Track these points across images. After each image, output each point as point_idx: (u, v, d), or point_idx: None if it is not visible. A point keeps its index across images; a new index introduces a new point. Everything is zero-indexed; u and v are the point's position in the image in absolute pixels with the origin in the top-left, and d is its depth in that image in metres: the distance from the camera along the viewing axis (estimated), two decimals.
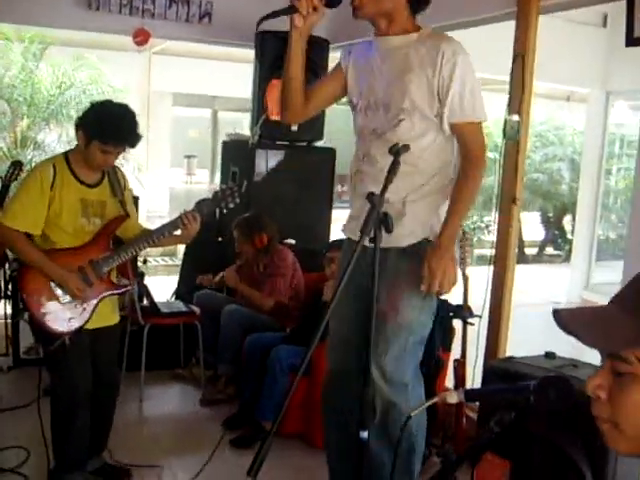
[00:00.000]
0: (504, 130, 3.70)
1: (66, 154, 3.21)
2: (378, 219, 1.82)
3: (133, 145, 3.18)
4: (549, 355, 2.98)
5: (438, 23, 4.38)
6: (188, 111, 18.00)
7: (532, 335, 5.97)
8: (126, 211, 3.29)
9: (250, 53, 5.83)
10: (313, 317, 4.05)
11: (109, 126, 3.06)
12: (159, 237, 3.20)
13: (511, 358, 3.05)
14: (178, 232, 3.22)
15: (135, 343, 4.53)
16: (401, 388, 2.55)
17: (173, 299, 5.27)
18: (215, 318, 4.64)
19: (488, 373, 3.08)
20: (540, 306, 8.42)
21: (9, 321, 5.08)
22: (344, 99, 2.75)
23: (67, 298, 3.12)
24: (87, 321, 3.18)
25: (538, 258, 13.15)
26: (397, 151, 1.98)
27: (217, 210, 5.35)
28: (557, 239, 13.53)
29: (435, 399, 1.50)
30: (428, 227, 2.51)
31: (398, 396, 2.54)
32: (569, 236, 12.52)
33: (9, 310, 5.01)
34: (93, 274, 3.16)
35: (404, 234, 2.46)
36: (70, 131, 9.20)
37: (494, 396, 1.38)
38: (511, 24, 3.73)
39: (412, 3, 2.45)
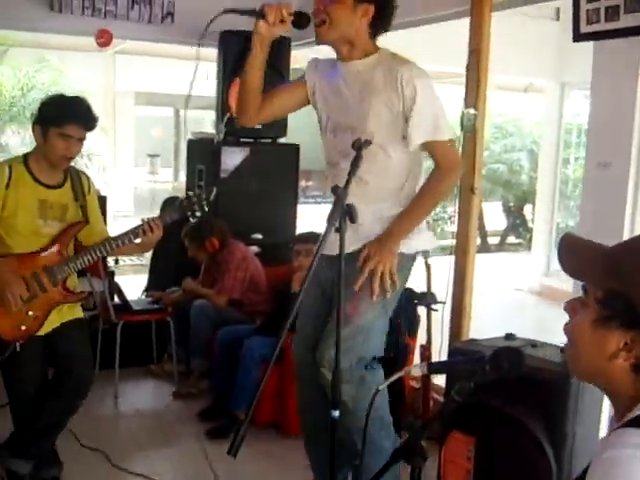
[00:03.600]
0: (461, 123, 3.85)
1: (25, 155, 3.16)
2: (343, 210, 1.94)
3: (91, 127, 3.10)
4: (509, 336, 3.11)
5: (394, 20, 4.52)
6: (150, 110, 17.95)
7: (495, 321, 6.17)
8: (86, 217, 3.22)
9: (212, 52, 5.92)
10: (282, 308, 4.18)
11: (63, 109, 3.03)
12: (118, 245, 3.11)
13: (473, 340, 3.19)
14: (138, 240, 3.14)
15: (108, 341, 4.60)
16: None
17: (143, 296, 5.34)
18: (185, 314, 4.73)
19: (452, 355, 3.21)
20: (503, 293, 8.64)
21: None
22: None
23: (18, 305, 3.03)
24: (38, 329, 3.12)
25: (500, 247, 13.39)
26: (360, 145, 2.10)
27: None
28: (518, 228, 13.78)
29: (401, 373, 1.62)
30: None
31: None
32: (530, 224, 12.77)
33: None
34: (47, 281, 3.08)
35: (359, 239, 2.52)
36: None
37: (454, 367, 1.51)
38: (466, 20, 3.88)
39: (373, 27, 2.52)
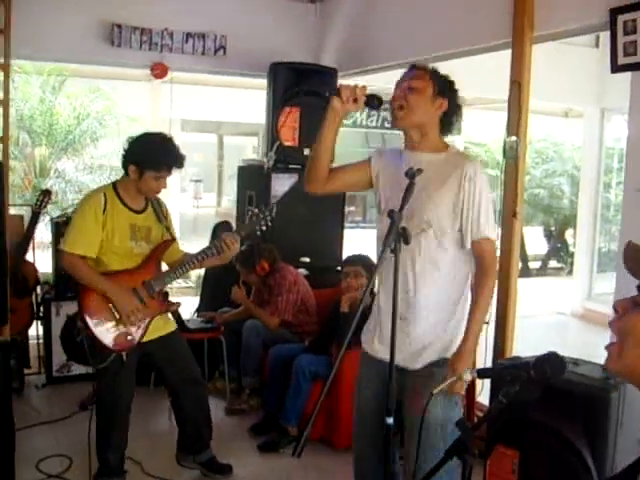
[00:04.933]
0: (504, 150, 4.01)
1: (114, 184, 3.51)
2: (397, 233, 2.12)
3: (182, 166, 3.48)
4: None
5: (439, 52, 4.73)
6: (194, 136, 18.38)
7: (538, 343, 6.24)
8: (172, 235, 3.61)
9: (254, 81, 6.19)
10: (331, 328, 4.37)
11: (160, 155, 3.40)
12: (204, 258, 3.47)
13: (517, 357, 3.32)
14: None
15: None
16: None
17: (195, 316, 5.55)
18: (236, 333, 4.93)
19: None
20: (545, 317, 8.70)
21: (41, 341, 5.40)
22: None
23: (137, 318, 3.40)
24: (142, 337, 3.47)
25: (542, 271, 13.40)
26: (413, 174, 2.27)
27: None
28: (560, 252, 13.78)
29: (453, 378, 1.79)
30: (447, 346, 2.64)
31: None
32: (571, 249, 12.78)
33: (41, 331, 5.36)
34: (146, 294, 3.45)
35: (422, 355, 2.63)
36: (86, 159, 9.57)
37: (500, 372, 1.67)
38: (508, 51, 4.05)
39: (442, 123, 2.67)
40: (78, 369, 5.26)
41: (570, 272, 11.90)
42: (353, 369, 2.95)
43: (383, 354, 2.59)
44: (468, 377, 1.70)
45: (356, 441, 2.87)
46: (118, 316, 3.38)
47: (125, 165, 3.43)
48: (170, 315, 3.74)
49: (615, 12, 3.32)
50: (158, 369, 3.76)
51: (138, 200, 3.51)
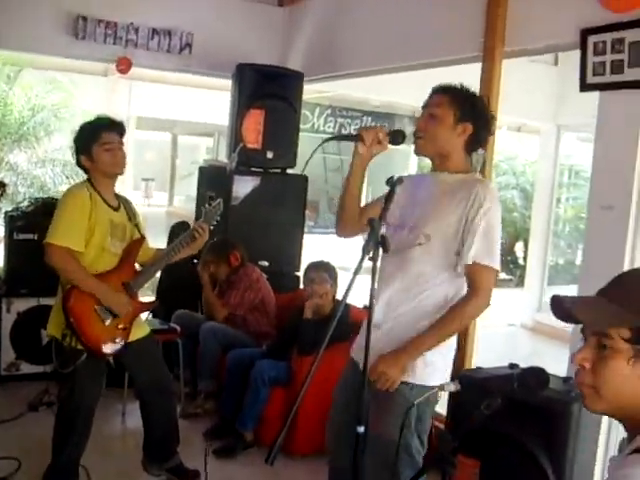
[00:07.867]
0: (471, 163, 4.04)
1: (88, 180, 3.36)
2: (376, 241, 2.11)
3: (122, 129, 3.37)
4: (513, 366, 3.27)
5: (406, 62, 4.76)
6: (148, 134, 18.15)
7: (491, 354, 6.31)
8: (142, 235, 3.52)
9: (212, 80, 6.14)
10: (291, 333, 4.35)
11: (90, 126, 3.34)
12: (176, 252, 3.47)
13: (480, 368, 3.36)
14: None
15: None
16: None
17: (151, 317, 5.45)
18: (193, 336, 4.86)
19: (461, 380, 3.37)
20: (496, 327, 8.80)
21: None
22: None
23: (109, 320, 3.30)
24: (128, 337, 3.41)
25: None
26: (393, 182, 2.27)
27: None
28: (509, 264, 14.00)
29: (435, 389, 1.78)
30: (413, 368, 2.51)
31: None
32: (520, 262, 12.98)
33: None
34: (128, 295, 3.39)
35: None
36: (39, 152, 9.35)
37: (485, 384, 1.67)
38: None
39: (469, 144, 2.60)
40: (27, 368, 5.12)
41: (518, 284, 12.08)
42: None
43: (356, 356, 2.61)
44: (452, 389, 1.70)
45: (330, 440, 2.85)
46: (106, 320, 3.29)
47: (78, 162, 3.34)
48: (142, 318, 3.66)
49: (586, 33, 3.37)
50: (129, 373, 3.70)
51: (112, 197, 3.42)
